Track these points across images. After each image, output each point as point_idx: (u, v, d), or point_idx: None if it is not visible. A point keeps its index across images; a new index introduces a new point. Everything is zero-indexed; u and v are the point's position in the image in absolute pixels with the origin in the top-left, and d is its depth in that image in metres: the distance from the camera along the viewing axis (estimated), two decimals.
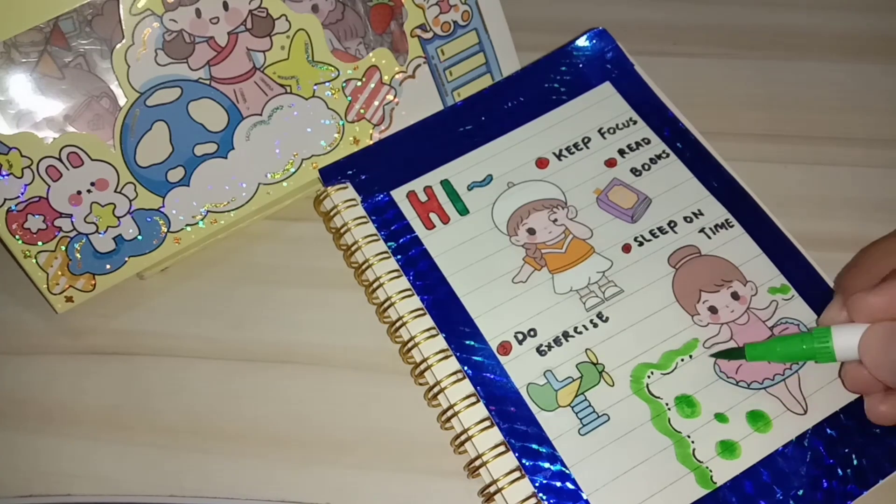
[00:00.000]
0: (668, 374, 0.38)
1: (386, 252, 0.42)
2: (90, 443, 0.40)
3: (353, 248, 0.43)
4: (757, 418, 0.37)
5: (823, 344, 0.35)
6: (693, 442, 0.37)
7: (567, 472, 0.36)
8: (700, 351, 0.39)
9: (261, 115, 0.44)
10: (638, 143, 0.45)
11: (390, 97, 0.46)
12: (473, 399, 0.38)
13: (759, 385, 0.38)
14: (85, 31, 0.40)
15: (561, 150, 0.45)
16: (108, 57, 0.41)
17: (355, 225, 0.43)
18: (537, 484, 0.36)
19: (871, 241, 0.39)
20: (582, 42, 0.48)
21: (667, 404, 0.38)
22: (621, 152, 0.45)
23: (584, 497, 0.36)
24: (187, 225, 0.44)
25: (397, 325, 0.41)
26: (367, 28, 0.45)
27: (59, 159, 0.41)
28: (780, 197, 0.44)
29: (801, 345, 0.36)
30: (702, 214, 0.43)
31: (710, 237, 0.42)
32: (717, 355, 0.38)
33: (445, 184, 0.44)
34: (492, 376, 0.39)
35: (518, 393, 0.38)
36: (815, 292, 0.40)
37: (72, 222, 0.42)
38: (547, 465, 0.36)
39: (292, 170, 0.45)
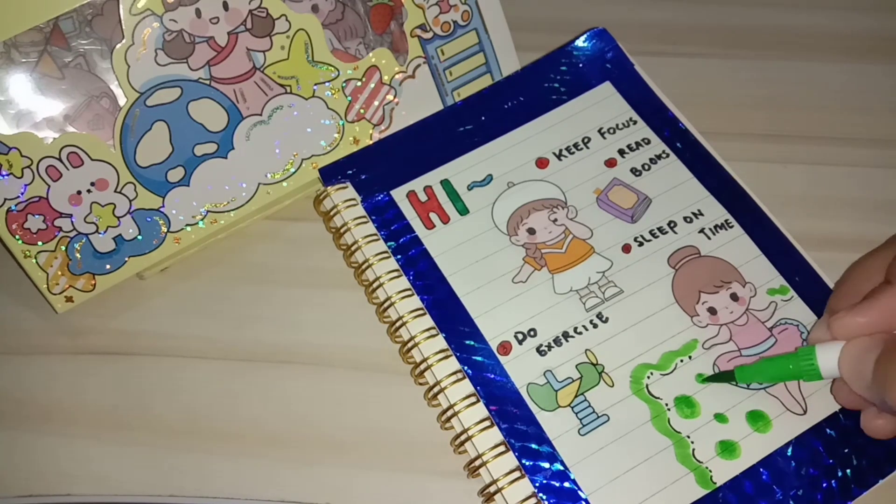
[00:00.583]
0: (667, 374, 0.38)
1: (386, 252, 0.42)
2: (90, 443, 0.40)
3: (353, 248, 0.43)
4: (757, 418, 0.37)
5: (808, 362, 0.36)
6: (693, 442, 0.37)
7: (567, 471, 0.36)
8: (699, 352, 0.39)
9: (261, 115, 0.44)
10: (638, 143, 0.45)
11: (390, 97, 0.46)
12: (473, 399, 0.38)
13: (759, 385, 0.38)
14: (85, 31, 0.40)
15: (561, 150, 0.45)
16: (108, 57, 0.41)
17: (355, 225, 0.43)
18: (537, 484, 0.36)
19: (871, 241, 0.39)
20: (582, 42, 0.48)
21: (666, 405, 0.38)
22: (621, 152, 0.45)
23: (584, 497, 0.36)
24: (187, 225, 0.44)
25: (397, 324, 0.41)
26: (367, 28, 0.45)
27: (59, 159, 0.41)
28: (780, 197, 0.44)
29: (788, 364, 0.37)
30: (702, 215, 0.43)
31: (709, 238, 0.42)
32: (708, 379, 0.38)
33: (445, 183, 0.44)
34: (492, 376, 0.39)
35: (518, 393, 0.38)
36: (815, 293, 0.40)
37: (72, 222, 0.42)
38: (547, 464, 0.36)
39: (292, 170, 0.45)
